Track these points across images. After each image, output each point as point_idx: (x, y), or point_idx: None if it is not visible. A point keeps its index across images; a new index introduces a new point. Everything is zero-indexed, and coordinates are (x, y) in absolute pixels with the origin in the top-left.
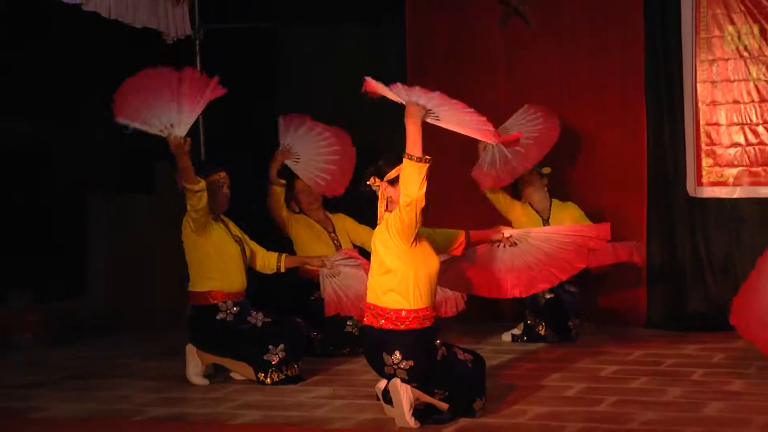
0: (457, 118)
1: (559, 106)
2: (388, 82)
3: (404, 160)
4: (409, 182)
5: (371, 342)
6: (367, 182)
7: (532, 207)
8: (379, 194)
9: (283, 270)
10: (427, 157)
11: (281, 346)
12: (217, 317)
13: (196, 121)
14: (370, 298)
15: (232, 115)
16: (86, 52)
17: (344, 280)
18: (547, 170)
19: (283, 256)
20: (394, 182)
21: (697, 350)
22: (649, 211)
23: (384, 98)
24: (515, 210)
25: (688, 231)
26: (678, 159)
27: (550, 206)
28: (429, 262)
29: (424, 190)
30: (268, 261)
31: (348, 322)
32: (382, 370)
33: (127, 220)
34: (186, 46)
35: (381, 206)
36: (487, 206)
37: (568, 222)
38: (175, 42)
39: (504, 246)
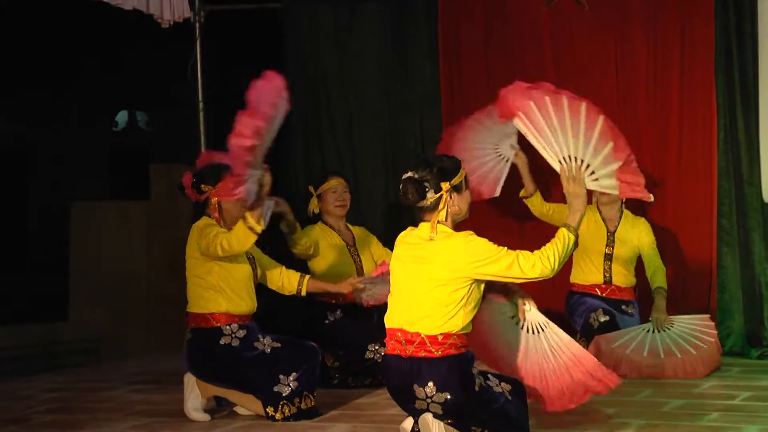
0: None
1: (615, 98)
2: (415, 72)
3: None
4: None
5: (398, 373)
6: (425, 191)
7: (600, 213)
8: (439, 204)
9: (303, 294)
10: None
11: (293, 375)
12: (221, 342)
13: (195, 113)
14: (397, 323)
15: (236, 106)
16: (71, 39)
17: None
18: None
19: (307, 277)
20: (459, 189)
21: None
22: (719, 219)
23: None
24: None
25: (765, 243)
26: (753, 158)
27: (621, 217)
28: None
29: None
30: (288, 281)
31: (369, 348)
32: (411, 405)
33: (117, 230)
34: (185, 30)
35: (437, 216)
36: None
37: (633, 243)
38: (172, 26)
39: (522, 322)
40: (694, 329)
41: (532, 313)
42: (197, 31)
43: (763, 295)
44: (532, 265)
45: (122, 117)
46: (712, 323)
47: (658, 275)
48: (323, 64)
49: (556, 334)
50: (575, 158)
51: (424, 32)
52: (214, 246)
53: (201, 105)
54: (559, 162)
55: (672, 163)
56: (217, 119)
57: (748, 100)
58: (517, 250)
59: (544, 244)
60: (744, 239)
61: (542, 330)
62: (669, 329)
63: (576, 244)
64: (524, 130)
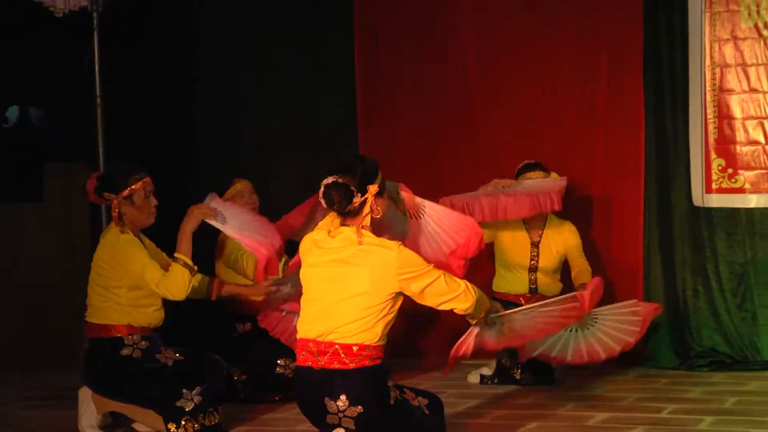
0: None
1: (541, 96)
2: (329, 63)
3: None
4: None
5: (309, 386)
6: (351, 195)
7: (523, 223)
8: (364, 208)
9: (213, 298)
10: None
11: (197, 389)
12: (121, 353)
13: (93, 113)
14: (309, 333)
15: (138, 105)
16: None
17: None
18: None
19: (216, 281)
20: (381, 192)
21: (705, 394)
22: (646, 224)
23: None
24: (502, 233)
25: (693, 249)
26: (681, 160)
27: (545, 225)
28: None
29: None
30: (198, 285)
31: (279, 362)
32: (322, 419)
33: (8, 234)
34: (82, 21)
35: (361, 221)
36: None
37: (558, 250)
38: (67, 16)
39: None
40: (619, 322)
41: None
42: (95, 21)
43: (688, 305)
44: (457, 287)
45: (13, 112)
46: (638, 308)
47: (582, 276)
48: (235, 55)
49: (432, 209)
50: None
51: (338, 19)
52: (154, 286)
53: (99, 100)
54: None
55: (599, 165)
56: (116, 115)
57: (676, 101)
58: (443, 271)
59: None
60: (669, 245)
61: (423, 215)
62: (593, 325)
63: (486, 314)
64: None
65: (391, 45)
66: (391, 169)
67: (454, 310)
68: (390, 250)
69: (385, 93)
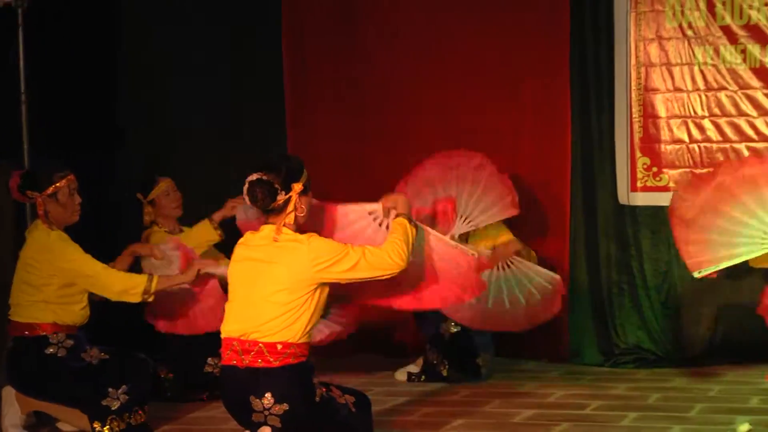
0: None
1: (464, 92)
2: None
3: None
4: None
5: (235, 385)
6: (275, 193)
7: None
8: (288, 206)
9: (151, 299)
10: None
11: (123, 388)
12: (46, 352)
13: (18, 111)
14: (233, 332)
15: (63, 102)
16: None
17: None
18: None
19: (155, 278)
20: (306, 190)
21: (629, 390)
22: (571, 222)
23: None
24: None
25: (618, 247)
26: (607, 158)
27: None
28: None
29: None
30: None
31: (208, 361)
32: (248, 417)
33: None
34: (6, 17)
35: (284, 218)
36: None
37: (487, 245)
38: None
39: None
40: (538, 274)
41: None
42: (20, 17)
43: (613, 302)
44: (381, 260)
45: None
46: (559, 278)
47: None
48: (165, 50)
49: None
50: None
51: (267, 8)
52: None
53: (23, 97)
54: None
55: (525, 162)
56: (41, 112)
57: (602, 100)
58: (363, 247)
59: None
60: (595, 243)
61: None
62: (512, 265)
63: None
64: None
65: (317, 44)
66: (318, 168)
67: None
68: (301, 243)
69: (312, 92)
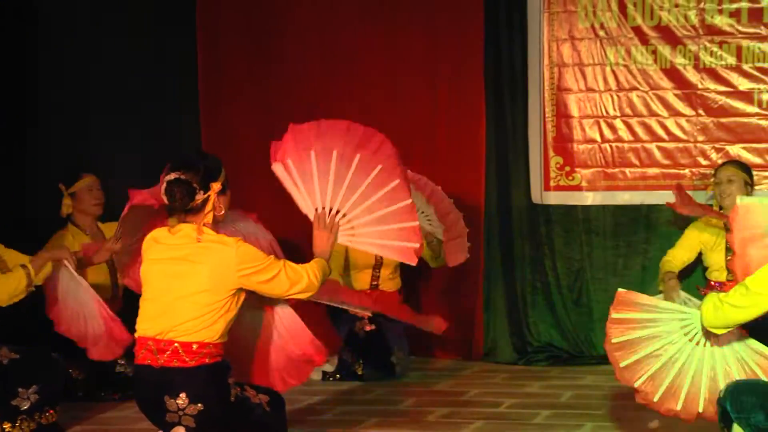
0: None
1: (377, 91)
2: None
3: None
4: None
5: (149, 384)
6: (194, 192)
7: None
8: (207, 205)
9: (38, 281)
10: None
11: (33, 387)
12: None
13: None
14: (148, 331)
15: None
16: None
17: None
18: None
19: (30, 268)
20: (225, 190)
21: (542, 388)
22: (486, 221)
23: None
24: None
25: (532, 246)
26: (521, 157)
27: None
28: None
29: None
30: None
31: (120, 361)
32: (162, 417)
33: None
34: None
35: (203, 218)
36: None
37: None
38: None
39: None
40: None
41: None
42: None
43: (526, 300)
44: (299, 277)
45: None
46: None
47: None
48: (76, 48)
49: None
50: (331, 209)
51: (183, 16)
52: None
53: None
54: (315, 210)
55: (440, 161)
56: None
57: (516, 100)
58: (284, 260)
59: None
60: (509, 242)
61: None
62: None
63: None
64: (284, 176)
65: (232, 44)
66: (234, 167)
67: (305, 291)
68: (229, 247)
69: (227, 91)
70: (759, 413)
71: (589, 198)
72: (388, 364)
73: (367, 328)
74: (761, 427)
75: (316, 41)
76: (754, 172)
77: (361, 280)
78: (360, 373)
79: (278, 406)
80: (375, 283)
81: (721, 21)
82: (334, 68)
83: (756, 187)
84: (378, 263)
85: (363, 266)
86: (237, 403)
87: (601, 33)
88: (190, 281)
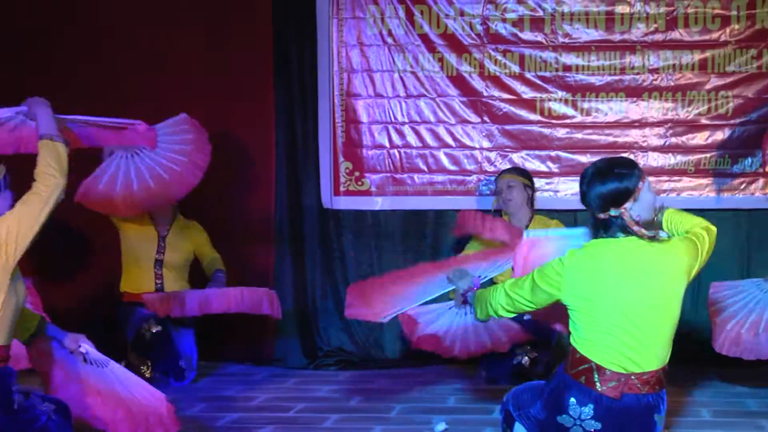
0: None
1: (166, 95)
2: None
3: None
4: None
5: None
6: None
7: (150, 218)
8: None
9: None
10: None
11: None
12: None
13: None
14: None
15: None
16: None
17: None
18: None
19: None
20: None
21: (332, 392)
22: (276, 226)
23: None
24: (128, 225)
25: (323, 250)
26: (311, 162)
27: (173, 221)
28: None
29: None
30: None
31: None
32: None
33: None
34: None
35: None
36: None
37: (186, 245)
38: None
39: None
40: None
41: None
42: None
43: (317, 305)
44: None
45: None
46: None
47: (215, 263)
48: None
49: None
50: None
51: None
52: None
53: None
54: None
55: (231, 166)
56: None
57: (306, 105)
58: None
59: None
60: (300, 246)
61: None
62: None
63: None
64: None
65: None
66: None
67: None
68: None
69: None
70: (535, 404)
71: (378, 203)
72: (177, 368)
73: (154, 329)
74: (539, 417)
75: (114, 43)
76: (538, 179)
77: (145, 280)
78: (148, 375)
79: (64, 414)
80: (159, 282)
81: (505, 30)
82: (131, 65)
83: (538, 193)
84: (160, 260)
85: (145, 259)
86: (21, 410)
87: (389, 40)
88: None
